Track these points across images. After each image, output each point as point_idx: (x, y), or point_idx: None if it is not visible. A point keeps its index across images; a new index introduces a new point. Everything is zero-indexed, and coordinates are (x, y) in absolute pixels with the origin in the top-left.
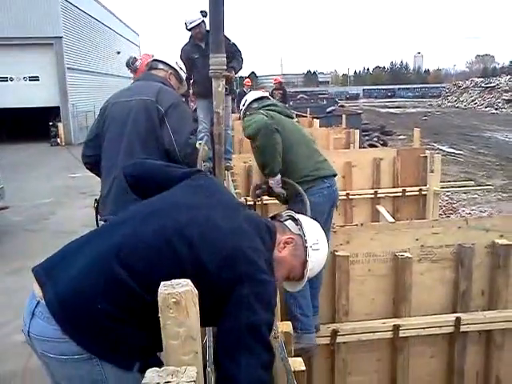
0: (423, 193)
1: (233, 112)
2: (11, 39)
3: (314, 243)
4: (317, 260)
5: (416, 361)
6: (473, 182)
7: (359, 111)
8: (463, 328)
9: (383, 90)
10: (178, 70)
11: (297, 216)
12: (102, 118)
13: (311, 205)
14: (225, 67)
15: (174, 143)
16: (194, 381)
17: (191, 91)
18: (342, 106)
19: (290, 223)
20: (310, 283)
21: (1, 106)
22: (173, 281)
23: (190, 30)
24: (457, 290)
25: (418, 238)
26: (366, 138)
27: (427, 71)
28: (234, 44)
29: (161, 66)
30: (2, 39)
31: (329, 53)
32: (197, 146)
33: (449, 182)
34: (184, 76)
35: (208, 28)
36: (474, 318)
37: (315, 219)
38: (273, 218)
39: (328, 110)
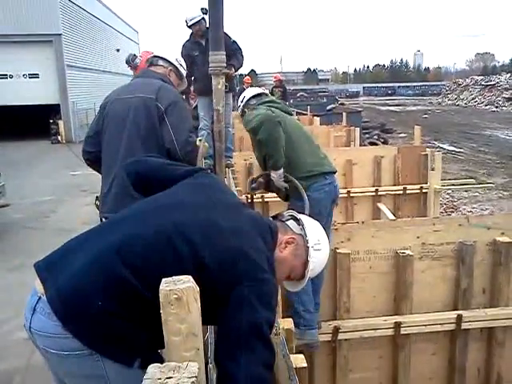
0: (424, 191)
1: (233, 109)
2: (11, 36)
3: (316, 243)
4: (318, 260)
5: (417, 358)
6: (474, 180)
7: (359, 109)
8: (464, 325)
9: (383, 87)
10: (178, 66)
11: (299, 216)
12: (102, 115)
13: (314, 201)
14: (224, 65)
15: (175, 142)
16: (196, 376)
17: (192, 89)
18: (342, 104)
19: (291, 223)
20: (311, 280)
21: (1, 103)
22: (174, 277)
23: (190, 27)
24: (458, 287)
25: (419, 236)
26: (367, 135)
27: (427, 69)
28: (234, 42)
29: (161, 62)
30: (1, 36)
31: (329, 50)
32: (197, 142)
33: (449, 180)
34: (184, 72)
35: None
36: (476, 315)
37: (318, 214)
38: (274, 217)
39: (328, 107)
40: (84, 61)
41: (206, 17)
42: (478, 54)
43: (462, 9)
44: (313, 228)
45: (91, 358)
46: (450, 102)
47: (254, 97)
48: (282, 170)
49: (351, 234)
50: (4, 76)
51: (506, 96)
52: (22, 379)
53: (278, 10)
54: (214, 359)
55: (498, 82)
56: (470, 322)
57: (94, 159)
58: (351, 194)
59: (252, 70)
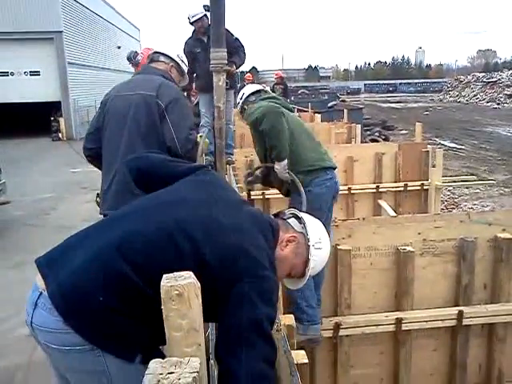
0: (425, 187)
1: (234, 107)
2: (11, 34)
3: (317, 242)
4: (319, 259)
5: (418, 354)
6: (475, 177)
7: (361, 106)
8: (466, 321)
9: (385, 84)
10: (180, 62)
11: (300, 214)
12: (103, 112)
13: (315, 196)
14: (225, 61)
15: (176, 140)
16: (197, 372)
17: (193, 85)
18: (344, 101)
19: (293, 221)
20: (312, 276)
21: (2, 100)
22: (175, 273)
23: (192, 23)
24: (459, 283)
25: (420, 232)
26: (368, 132)
27: (429, 66)
28: (236, 39)
29: (162, 58)
30: (2, 34)
31: (330, 47)
32: (198, 139)
33: (451, 176)
34: (186, 69)
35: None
36: (477, 311)
37: (319, 210)
38: (276, 215)
39: (329, 104)
40: (85, 58)
41: (209, 14)
42: (479, 50)
43: (464, 5)
44: (314, 226)
45: (92, 354)
46: (451, 98)
47: (253, 93)
48: (286, 161)
49: (352, 230)
50: (5, 73)
51: (508, 93)
52: (23, 376)
53: (279, 7)
54: (214, 356)
55: (499, 79)
56: (471, 318)
57: (94, 155)
58: (352, 191)
59: (253, 67)
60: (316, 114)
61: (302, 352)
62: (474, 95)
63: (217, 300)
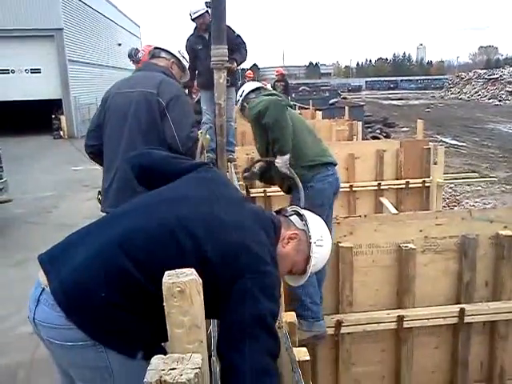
0: (426, 185)
1: (236, 104)
2: (12, 31)
3: (318, 239)
4: (320, 256)
5: (420, 351)
6: (476, 174)
7: (362, 103)
8: (467, 319)
9: (386, 81)
10: (181, 58)
11: (302, 211)
12: (104, 109)
13: (317, 191)
14: (226, 58)
15: (177, 138)
16: (199, 368)
17: (195, 83)
18: (345, 98)
19: (294, 218)
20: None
21: (3, 98)
22: (177, 270)
23: (194, 20)
24: (461, 281)
25: (421, 229)
26: (369, 130)
27: (430, 63)
28: (238, 36)
29: (163, 54)
30: (2, 31)
31: (331, 44)
32: (198, 136)
33: (452, 174)
34: (187, 64)
35: None
36: (478, 308)
37: (321, 205)
38: (278, 212)
39: (330, 101)
40: (86, 55)
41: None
42: (481, 47)
43: (466, 1)
44: (316, 224)
45: (94, 349)
46: (452, 95)
47: (253, 91)
48: (288, 156)
49: (354, 227)
50: (6, 71)
51: (510, 90)
52: (26, 374)
53: (280, 3)
54: (216, 352)
55: (501, 76)
56: (472, 315)
57: (96, 152)
58: (353, 188)
59: (254, 65)
60: (317, 111)
61: (304, 349)
62: (476, 92)
63: (218, 297)
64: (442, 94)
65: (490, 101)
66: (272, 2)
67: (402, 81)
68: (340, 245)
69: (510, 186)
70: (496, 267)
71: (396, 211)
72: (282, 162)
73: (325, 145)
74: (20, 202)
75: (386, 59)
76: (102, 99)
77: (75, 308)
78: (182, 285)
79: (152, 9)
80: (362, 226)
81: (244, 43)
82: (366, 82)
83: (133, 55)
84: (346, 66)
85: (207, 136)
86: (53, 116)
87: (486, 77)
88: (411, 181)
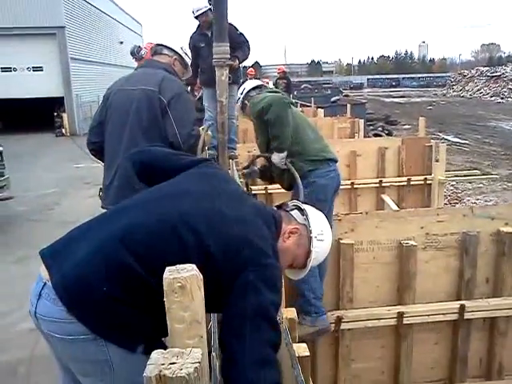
0: (428, 182)
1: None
2: (14, 29)
3: (319, 234)
4: (321, 250)
5: (420, 348)
6: (478, 172)
7: (364, 101)
8: (467, 315)
9: (388, 79)
10: (183, 55)
11: (303, 206)
12: (105, 106)
13: (319, 187)
14: (228, 56)
15: (178, 136)
16: (199, 362)
17: (198, 80)
18: (347, 96)
19: (295, 213)
20: (318, 266)
21: (5, 96)
22: (178, 266)
23: (196, 18)
24: (461, 277)
25: (422, 226)
26: (371, 127)
27: (432, 60)
28: (241, 34)
29: (165, 51)
30: (4, 29)
31: (333, 42)
32: (200, 131)
33: (454, 171)
34: (189, 61)
35: None
36: (479, 305)
37: (324, 201)
38: (279, 207)
39: (332, 99)
40: (88, 53)
41: None
42: (483, 44)
43: None
44: (316, 218)
45: (95, 343)
46: (454, 93)
47: (253, 88)
48: (285, 154)
49: (355, 224)
50: (8, 69)
51: None
52: (26, 370)
53: (282, 1)
54: (218, 344)
55: (503, 73)
56: (472, 311)
57: (98, 149)
58: (355, 186)
59: (256, 62)
60: (319, 109)
61: (304, 345)
62: (478, 89)
63: (221, 291)
64: (444, 91)
65: (493, 98)
66: (274, 0)
67: (403, 78)
68: (341, 241)
69: None
70: (497, 264)
71: (397, 208)
72: (278, 158)
73: (326, 142)
74: (22, 199)
75: (388, 57)
76: (104, 96)
77: (76, 302)
78: (183, 280)
79: (154, 7)
80: (363, 223)
81: (247, 41)
82: (368, 79)
83: (135, 53)
84: (347, 64)
85: (209, 132)
86: (55, 114)
87: (488, 74)
88: (413, 178)
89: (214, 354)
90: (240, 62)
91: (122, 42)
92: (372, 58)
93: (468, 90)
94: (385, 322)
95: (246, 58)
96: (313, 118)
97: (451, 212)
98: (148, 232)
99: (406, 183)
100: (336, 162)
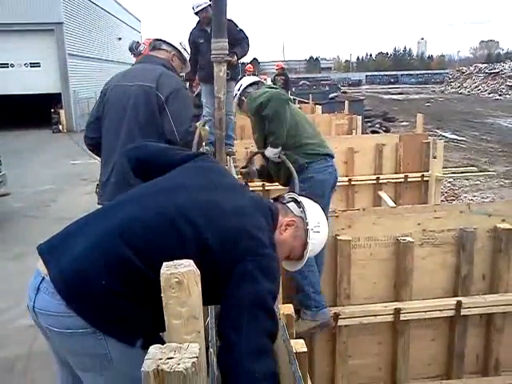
0: (425, 179)
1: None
2: (11, 25)
3: (316, 225)
4: (317, 241)
5: (417, 344)
6: (475, 168)
7: (362, 97)
8: (464, 312)
9: (386, 76)
10: (182, 50)
11: (299, 198)
12: (103, 102)
13: (317, 182)
14: (226, 52)
15: (176, 133)
16: (197, 357)
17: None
18: (345, 93)
19: (292, 205)
20: (315, 259)
21: (2, 92)
22: (175, 261)
23: (196, 14)
24: (458, 274)
25: (419, 223)
26: (369, 124)
27: (430, 57)
28: (241, 30)
29: (164, 46)
30: (2, 25)
31: (331, 39)
32: (196, 126)
33: (451, 168)
34: (188, 56)
35: None
36: (475, 301)
37: (322, 196)
38: (275, 199)
39: (330, 96)
40: (85, 50)
41: None
42: (482, 41)
43: None
44: (313, 210)
45: (94, 337)
46: (452, 90)
47: (251, 85)
48: (279, 149)
49: (352, 221)
50: (5, 65)
51: (510, 84)
52: (23, 366)
53: None
54: (217, 333)
55: (501, 70)
56: (469, 308)
57: (96, 145)
58: (352, 182)
59: (254, 59)
60: (317, 106)
61: (301, 341)
62: (476, 86)
63: (218, 282)
64: (443, 88)
65: (491, 95)
66: None
67: (402, 75)
68: (338, 238)
69: (509, 180)
70: (493, 260)
71: (394, 205)
72: (271, 153)
73: (323, 138)
74: (19, 195)
75: (387, 53)
76: (101, 91)
77: (75, 296)
78: (180, 276)
79: (153, 3)
80: (360, 220)
81: (246, 38)
82: (367, 76)
83: (134, 48)
84: (346, 61)
85: (206, 127)
86: (52, 110)
87: (486, 71)
88: (410, 175)
89: (211, 350)
90: (239, 59)
91: (120, 38)
92: (370, 55)
93: (466, 87)
94: (382, 319)
95: (245, 54)
96: (311, 114)
97: (448, 208)
98: (145, 226)
99: (403, 180)
100: (333, 157)
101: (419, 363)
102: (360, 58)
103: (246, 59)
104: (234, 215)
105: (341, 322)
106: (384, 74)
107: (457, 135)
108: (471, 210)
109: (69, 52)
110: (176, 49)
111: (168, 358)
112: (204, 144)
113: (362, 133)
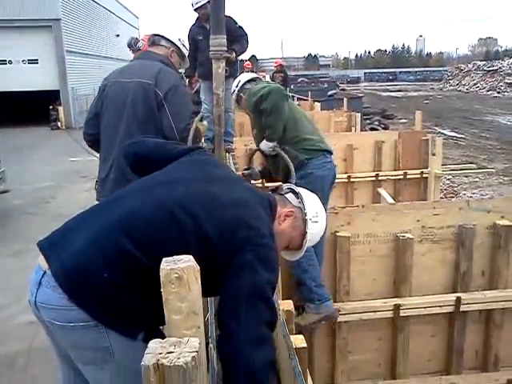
0: (424, 176)
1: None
2: (9, 21)
3: (314, 216)
4: (316, 231)
5: (416, 340)
6: (474, 166)
7: (360, 95)
8: (463, 308)
9: (385, 73)
10: (181, 46)
11: (297, 189)
12: (101, 98)
13: (317, 178)
14: (225, 48)
15: (175, 130)
16: (197, 351)
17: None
18: (344, 90)
19: (290, 196)
20: (314, 249)
21: (0, 89)
22: (175, 257)
23: (196, 10)
24: (457, 270)
25: (419, 219)
26: (368, 121)
27: (429, 54)
28: (240, 27)
29: (163, 42)
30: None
31: (330, 36)
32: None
33: (450, 165)
34: (186, 52)
35: None
36: (475, 297)
37: (321, 192)
38: (273, 190)
39: (329, 93)
40: (83, 46)
41: None
42: (480, 38)
43: None
44: (311, 201)
45: (96, 330)
46: (451, 87)
47: (249, 81)
48: (274, 143)
49: (351, 217)
50: (3, 62)
51: (509, 81)
52: (24, 362)
53: None
54: (217, 323)
55: (500, 67)
56: (468, 304)
57: (95, 141)
58: (351, 179)
59: (253, 56)
60: (316, 103)
61: (301, 337)
62: (475, 84)
63: (218, 273)
64: (441, 85)
65: (489, 92)
66: None
67: (400, 72)
68: (338, 234)
69: (508, 177)
70: (492, 256)
71: (393, 202)
72: (266, 146)
73: (322, 134)
74: (18, 192)
75: (385, 51)
76: (100, 87)
77: (77, 289)
78: (180, 271)
79: (151, 0)
80: (359, 216)
81: (246, 35)
82: (365, 73)
83: (132, 44)
84: (344, 58)
85: (204, 122)
86: (50, 107)
87: (485, 68)
88: (409, 172)
89: (211, 345)
90: (237, 55)
91: (118, 35)
92: (369, 52)
93: (465, 84)
94: (381, 315)
95: (244, 51)
96: (309, 111)
97: (447, 205)
98: (144, 220)
99: (402, 177)
100: (331, 153)
101: (419, 359)
102: (358, 55)
103: (245, 56)
104: (232, 206)
105: (341, 318)
106: (382, 72)
107: (456, 132)
108: (470, 206)
109: (67, 49)
110: (175, 45)
111: (168, 353)
112: (203, 140)
113: (361, 130)
